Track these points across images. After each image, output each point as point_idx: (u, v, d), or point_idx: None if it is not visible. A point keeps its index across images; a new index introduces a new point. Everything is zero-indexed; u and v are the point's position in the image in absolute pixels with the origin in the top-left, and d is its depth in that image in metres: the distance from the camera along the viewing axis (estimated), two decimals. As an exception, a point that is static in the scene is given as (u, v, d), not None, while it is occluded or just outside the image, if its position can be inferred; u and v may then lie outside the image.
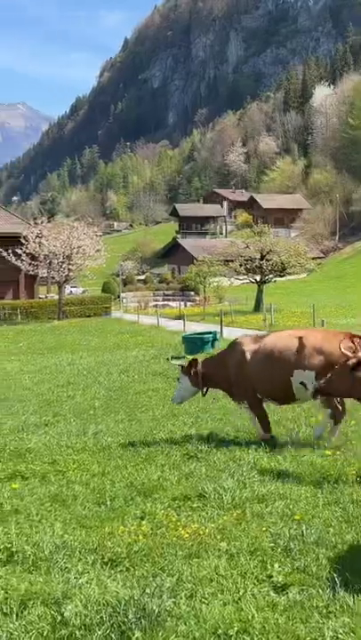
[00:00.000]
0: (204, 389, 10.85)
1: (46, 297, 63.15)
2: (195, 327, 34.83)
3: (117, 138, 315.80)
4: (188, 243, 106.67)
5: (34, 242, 46.72)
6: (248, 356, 10.12)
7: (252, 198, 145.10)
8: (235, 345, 10.66)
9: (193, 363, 10.75)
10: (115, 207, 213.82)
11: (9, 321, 46.00)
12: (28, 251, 46.85)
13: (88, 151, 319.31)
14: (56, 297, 58.47)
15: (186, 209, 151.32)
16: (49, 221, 54.23)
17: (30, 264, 47.17)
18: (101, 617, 4.71)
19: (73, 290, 70.91)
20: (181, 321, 37.95)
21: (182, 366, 10.85)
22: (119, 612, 4.74)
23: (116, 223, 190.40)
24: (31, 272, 48.54)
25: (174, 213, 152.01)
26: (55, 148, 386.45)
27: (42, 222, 50.77)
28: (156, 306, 65.14)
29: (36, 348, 30.50)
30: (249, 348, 10.22)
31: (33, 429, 11.89)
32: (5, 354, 28.74)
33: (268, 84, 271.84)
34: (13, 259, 47.11)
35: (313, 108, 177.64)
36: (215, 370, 10.66)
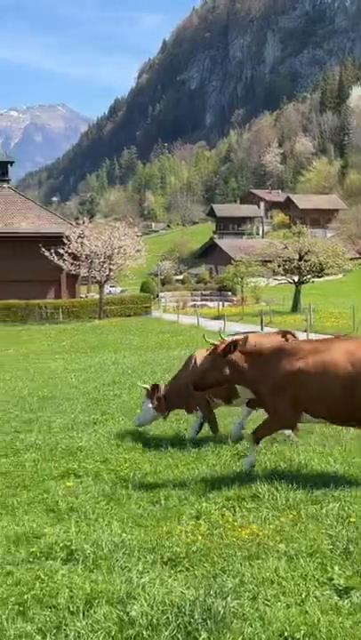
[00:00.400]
0: (166, 413, 11.02)
1: (86, 296, 63.42)
2: (234, 327, 34.72)
3: (155, 139, 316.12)
4: (226, 243, 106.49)
5: (76, 242, 46.94)
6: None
7: (288, 199, 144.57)
8: (188, 360, 10.97)
9: (155, 388, 10.80)
10: (152, 208, 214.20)
11: (51, 320, 46.29)
12: (70, 251, 47.08)
13: (126, 152, 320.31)
14: (96, 296, 58.68)
15: (223, 209, 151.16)
16: (90, 221, 54.40)
17: (72, 264, 47.40)
18: (167, 617, 4.67)
19: (111, 289, 71.13)
20: (220, 321, 37.90)
21: (147, 390, 10.86)
22: (185, 613, 4.70)
23: (153, 223, 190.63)
24: (73, 272, 48.79)
25: (211, 214, 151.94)
26: (94, 149, 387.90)
27: (83, 222, 50.99)
28: (194, 306, 65.11)
29: (78, 347, 30.63)
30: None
31: (82, 428, 11.92)
32: (49, 352, 28.90)
33: (305, 84, 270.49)
34: (56, 258, 47.37)
35: (349, 109, 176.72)
36: (175, 391, 10.75)
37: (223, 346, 8.58)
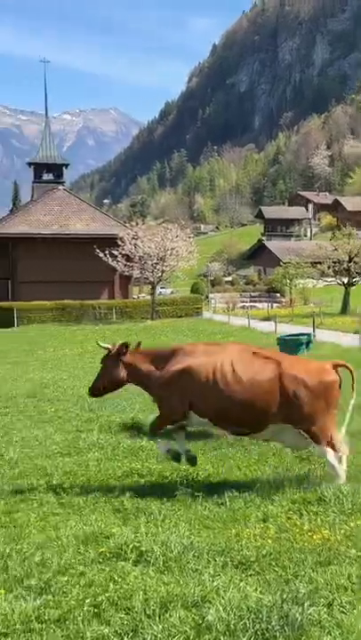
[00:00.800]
0: None
1: (138, 297, 63.65)
2: (285, 328, 34.44)
3: (205, 142, 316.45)
4: (274, 245, 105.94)
5: (130, 243, 47.08)
6: None
7: (336, 201, 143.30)
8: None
9: None
10: (201, 210, 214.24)
11: (104, 320, 46.53)
12: (123, 252, 47.27)
13: (177, 155, 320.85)
14: (147, 297, 58.81)
15: (271, 211, 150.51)
16: (143, 223, 54.57)
17: (125, 265, 47.56)
18: (245, 623, 4.56)
19: (162, 290, 71.27)
20: (271, 322, 37.60)
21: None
22: (262, 619, 4.59)
23: (202, 225, 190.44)
24: (126, 273, 48.94)
25: (260, 216, 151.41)
26: (145, 152, 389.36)
27: (137, 224, 51.15)
28: (243, 307, 64.84)
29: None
30: None
31: (142, 427, 11.87)
32: (104, 352, 28.88)
33: (353, 86, 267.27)
34: (110, 260, 47.60)
35: None
36: None
37: (116, 348, 8.73)
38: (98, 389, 8.98)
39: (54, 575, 5.53)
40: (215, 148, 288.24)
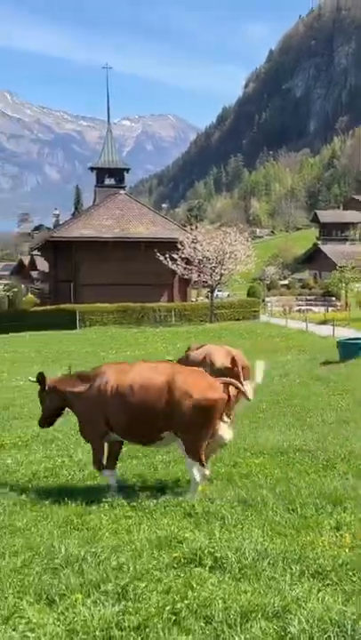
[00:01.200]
0: None
1: (196, 300, 63.56)
2: (343, 332, 34.07)
3: (261, 147, 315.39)
4: (329, 249, 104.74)
5: (189, 247, 47.07)
6: None
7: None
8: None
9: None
10: (257, 214, 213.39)
11: (164, 322, 46.57)
12: (183, 255, 47.27)
13: (233, 160, 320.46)
14: (204, 300, 58.70)
15: (326, 215, 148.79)
16: (201, 227, 54.51)
17: (185, 268, 47.57)
18: (328, 636, 4.39)
19: (218, 294, 71.16)
20: (328, 325, 37.29)
21: None
22: (346, 632, 4.41)
23: (258, 229, 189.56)
24: (185, 276, 48.95)
25: (315, 220, 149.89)
26: (202, 157, 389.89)
27: (197, 228, 51.14)
28: (299, 310, 64.28)
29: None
30: None
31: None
32: (165, 354, 28.92)
33: None
34: (170, 263, 47.66)
35: None
36: None
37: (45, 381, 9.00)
38: (44, 420, 9.24)
39: (131, 580, 5.40)
40: (271, 152, 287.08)
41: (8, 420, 13.75)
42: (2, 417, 14.02)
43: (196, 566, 5.72)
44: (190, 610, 4.88)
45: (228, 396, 8.16)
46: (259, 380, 8.53)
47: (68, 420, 13.27)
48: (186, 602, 4.96)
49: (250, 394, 8.89)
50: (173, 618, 4.80)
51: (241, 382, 8.68)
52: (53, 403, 8.94)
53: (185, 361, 10.22)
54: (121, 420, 8.14)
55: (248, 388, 9.32)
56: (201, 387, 7.80)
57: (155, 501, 7.72)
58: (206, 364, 9.68)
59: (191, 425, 7.75)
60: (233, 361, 9.49)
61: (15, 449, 11.11)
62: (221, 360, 9.69)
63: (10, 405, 15.52)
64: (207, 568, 5.67)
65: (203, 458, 7.89)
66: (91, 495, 8.15)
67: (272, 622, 4.66)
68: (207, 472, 8.02)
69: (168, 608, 4.90)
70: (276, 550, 5.96)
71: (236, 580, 5.42)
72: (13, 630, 4.78)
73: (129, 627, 4.71)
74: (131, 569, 5.65)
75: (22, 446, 11.25)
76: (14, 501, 8.11)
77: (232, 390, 8.21)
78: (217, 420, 7.89)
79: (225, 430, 8.12)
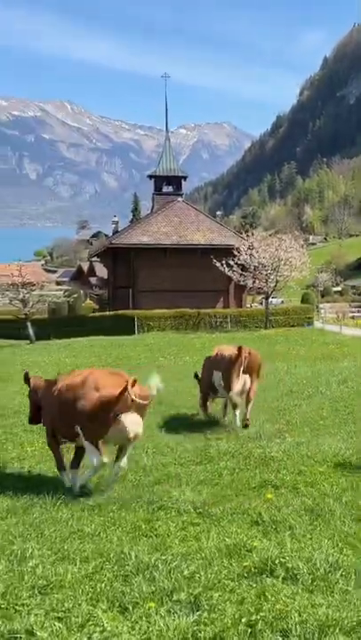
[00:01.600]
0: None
1: (250, 306, 63.20)
2: None
3: (315, 154, 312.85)
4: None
5: (245, 253, 46.90)
6: None
7: None
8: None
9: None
10: (310, 221, 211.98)
11: (220, 328, 46.44)
12: (239, 262, 47.12)
13: (286, 167, 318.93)
14: (258, 306, 58.34)
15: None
16: (257, 234, 54.26)
17: (241, 274, 47.39)
18: None
19: (272, 300, 70.73)
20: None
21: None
22: None
23: (311, 236, 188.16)
24: (241, 282, 48.75)
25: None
26: (256, 165, 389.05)
27: (252, 234, 50.97)
28: (353, 317, 63.40)
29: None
30: None
31: (270, 437, 11.61)
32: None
33: None
34: (226, 269, 47.56)
35: None
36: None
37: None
38: (31, 418, 10.04)
39: (204, 590, 5.30)
40: (324, 159, 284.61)
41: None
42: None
43: (267, 576, 5.59)
44: (266, 622, 4.75)
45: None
46: (154, 393, 8.75)
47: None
48: (261, 614, 4.83)
49: (238, 385, 12.62)
50: (249, 630, 4.67)
51: (237, 370, 12.47)
52: (33, 402, 9.79)
53: (208, 359, 13.94)
54: (57, 418, 9.06)
55: (242, 379, 12.61)
56: (102, 384, 8.52)
57: (221, 508, 7.61)
58: (219, 356, 13.19)
59: (88, 415, 8.44)
60: (239, 349, 12.62)
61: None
62: (229, 352, 12.96)
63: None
64: (280, 579, 5.51)
65: (99, 445, 8.53)
66: (157, 501, 8.06)
67: (350, 637, 4.51)
68: (105, 459, 8.54)
69: (244, 620, 4.77)
70: (347, 562, 5.80)
71: (309, 593, 5.27)
72: (88, 638, 4.73)
73: (205, 638, 4.61)
74: (203, 578, 5.55)
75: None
76: (82, 506, 8.08)
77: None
78: (111, 413, 8.37)
79: (131, 423, 8.50)
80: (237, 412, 12.79)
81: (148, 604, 5.13)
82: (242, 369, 12.55)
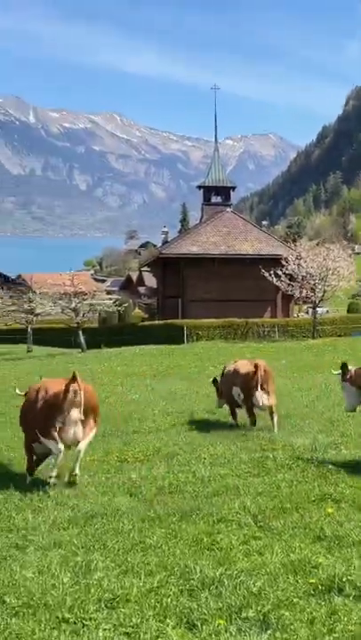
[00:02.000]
0: None
1: (297, 316, 62.77)
2: None
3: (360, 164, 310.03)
4: None
5: (293, 263, 46.64)
6: None
7: None
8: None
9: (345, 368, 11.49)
10: (356, 230, 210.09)
11: (268, 338, 46.19)
12: (287, 272, 46.84)
13: (332, 177, 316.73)
14: (304, 316, 57.85)
15: None
16: (304, 243, 54.00)
17: (288, 284, 47.11)
18: None
19: (318, 310, 70.17)
20: None
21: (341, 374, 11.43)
22: None
23: (356, 246, 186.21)
24: (288, 292, 48.47)
25: None
26: (302, 175, 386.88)
27: (300, 244, 50.73)
28: None
29: (298, 366, 29.89)
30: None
31: (325, 449, 11.36)
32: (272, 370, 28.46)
33: None
34: (274, 279, 47.31)
35: None
36: None
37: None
38: None
39: (273, 608, 5.17)
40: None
41: (128, 433, 13.72)
42: (123, 431, 14.01)
43: (336, 595, 5.42)
44: (339, 643, 4.60)
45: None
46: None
47: (186, 436, 13.21)
48: (334, 635, 4.68)
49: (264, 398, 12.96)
50: (323, 652, 4.53)
51: (256, 384, 12.80)
52: None
53: (223, 375, 14.30)
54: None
55: (263, 393, 12.91)
56: (50, 390, 9.50)
57: (282, 522, 7.44)
58: (236, 373, 13.49)
59: (41, 415, 9.39)
60: (256, 366, 12.93)
61: (138, 463, 11.03)
62: (245, 369, 13.30)
63: (129, 419, 15.52)
64: (351, 598, 5.34)
65: (55, 436, 9.17)
66: (217, 513, 7.92)
67: None
68: (60, 446, 9.19)
69: (317, 640, 4.63)
70: None
71: (377, 611, 5.10)
72: (159, 656, 4.63)
73: (279, 659, 4.48)
74: (270, 595, 5.41)
75: (145, 461, 11.15)
76: (142, 517, 7.97)
77: None
78: (56, 413, 9.21)
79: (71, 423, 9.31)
80: (275, 418, 13.23)
81: (216, 621, 5.00)
82: (260, 384, 12.90)
